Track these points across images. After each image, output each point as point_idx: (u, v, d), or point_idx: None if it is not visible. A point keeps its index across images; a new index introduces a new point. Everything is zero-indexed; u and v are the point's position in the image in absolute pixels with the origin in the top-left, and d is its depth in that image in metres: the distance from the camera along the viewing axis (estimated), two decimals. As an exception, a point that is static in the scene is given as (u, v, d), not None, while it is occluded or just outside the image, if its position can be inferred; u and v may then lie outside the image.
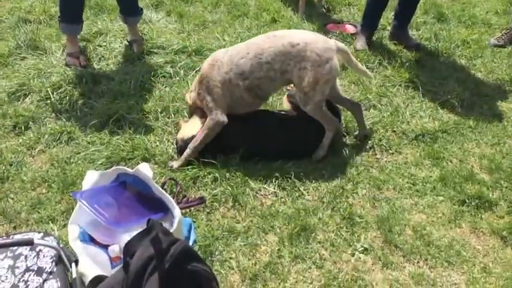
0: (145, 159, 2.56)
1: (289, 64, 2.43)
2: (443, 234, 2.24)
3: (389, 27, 3.80)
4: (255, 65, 2.45)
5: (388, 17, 3.92)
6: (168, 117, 2.88)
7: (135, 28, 3.53)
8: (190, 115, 2.74)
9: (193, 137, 2.55)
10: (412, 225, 2.28)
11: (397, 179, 2.53)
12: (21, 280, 1.60)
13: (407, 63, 3.44)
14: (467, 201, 2.39)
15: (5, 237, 1.85)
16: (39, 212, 2.31)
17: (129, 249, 1.45)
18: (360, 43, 3.56)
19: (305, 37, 2.47)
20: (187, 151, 2.54)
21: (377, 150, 2.73)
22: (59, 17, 3.29)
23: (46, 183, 2.47)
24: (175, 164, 2.54)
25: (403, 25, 3.67)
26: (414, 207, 2.39)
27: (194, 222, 2.25)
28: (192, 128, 2.60)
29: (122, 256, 1.66)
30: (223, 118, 2.52)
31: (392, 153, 2.72)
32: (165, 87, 3.13)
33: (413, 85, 3.22)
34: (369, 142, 2.75)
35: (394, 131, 2.86)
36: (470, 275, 2.07)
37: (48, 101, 2.99)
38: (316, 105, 2.51)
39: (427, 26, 3.93)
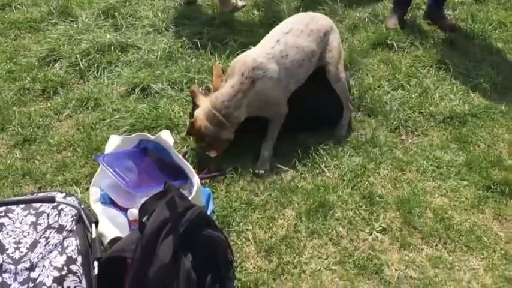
0: (168, 129, 2.57)
1: (323, 48, 2.53)
2: (465, 219, 2.20)
3: (424, 7, 3.67)
4: (309, 68, 2.50)
5: (423, -5, 3.79)
6: (193, 89, 2.89)
7: None
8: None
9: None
10: (434, 208, 2.24)
11: (421, 161, 2.47)
12: (42, 236, 1.65)
13: (440, 44, 3.33)
14: (492, 187, 2.32)
15: (29, 196, 1.91)
16: (63, 175, 2.37)
17: (145, 211, 1.48)
18: (392, 21, 3.45)
19: (329, 22, 2.63)
20: (267, 151, 2.43)
21: (402, 131, 2.67)
22: None
23: (71, 147, 2.53)
24: (264, 167, 2.40)
25: (439, 4, 3.53)
26: (437, 190, 2.34)
27: (213, 192, 2.26)
28: None
29: (139, 219, 1.69)
30: (286, 107, 2.47)
31: (418, 135, 2.66)
32: (192, 58, 3.13)
33: (445, 67, 3.12)
34: (394, 122, 2.69)
35: (422, 113, 2.78)
36: (490, 261, 2.02)
37: (77, 67, 3.04)
38: (344, 80, 2.58)
39: (464, 7, 3.77)
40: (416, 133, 2.67)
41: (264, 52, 2.40)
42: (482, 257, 2.05)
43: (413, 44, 3.31)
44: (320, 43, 2.50)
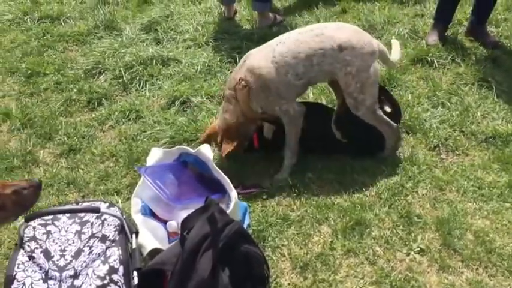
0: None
1: (336, 67, 2.34)
2: (507, 242, 2.13)
3: (466, 23, 3.61)
4: (307, 67, 2.34)
5: (465, 11, 3.73)
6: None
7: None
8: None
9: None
10: (474, 230, 2.18)
11: (462, 181, 2.42)
12: (86, 245, 1.71)
13: (482, 61, 3.26)
14: (537, 210, 2.26)
15: (74, 204, 1.99)
16: (105, 184, 2.45)
17: (186, 225, 1.51)
18: (433, 38, 3.41)
19: (352, 39, 2.32)
20: (288, 159, 2.46)
21: (442, 150, 2.62)
22: None
23: (114, 158, 2.61)
24: (282, 175, 2.44)
25: (481, 21, 3.47)
26: (478, 211, 2.28)
27: (249, 207, 2.28)
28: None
29: (179, 232, 1.72)
30: (300, 106, 2.42)
31: (459, 155, 2.60)
32: (230, 72, 3.17)
33: (487, 85, 3.05)
34: (434, 141, 2.65)
35: (463, 131, 2.73)
36: (533, 287, 1.96)
37: (120, 80, 3.15)
38: (368, 109, 2.39)
39: (508, 24, 3.69)
40: (457, 152, 2.61)
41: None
42: (525, 283, 1.98)
43: (455, 61, 3.26)
44: (329, 51, 2.30)
